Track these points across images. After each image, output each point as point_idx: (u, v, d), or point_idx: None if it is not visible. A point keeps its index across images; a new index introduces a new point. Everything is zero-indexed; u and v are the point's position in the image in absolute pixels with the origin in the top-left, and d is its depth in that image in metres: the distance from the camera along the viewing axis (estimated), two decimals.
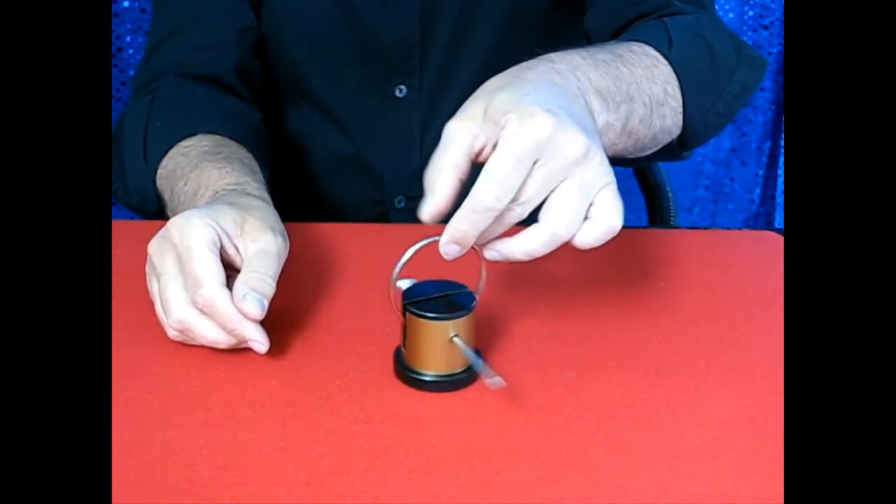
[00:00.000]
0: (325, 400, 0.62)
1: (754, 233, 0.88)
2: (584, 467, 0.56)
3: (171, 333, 0.65)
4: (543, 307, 0.72)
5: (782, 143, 1.74)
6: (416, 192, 1.01)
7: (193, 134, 0.83)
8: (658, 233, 0.86)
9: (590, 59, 0.69)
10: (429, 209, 0.60)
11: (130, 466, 0.55)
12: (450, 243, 0.59)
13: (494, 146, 0.59)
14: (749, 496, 0.54)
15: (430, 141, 0.99)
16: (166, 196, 0.82)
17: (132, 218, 0.91)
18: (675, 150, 0.85)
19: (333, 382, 0.63)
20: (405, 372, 0.63)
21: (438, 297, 0.62)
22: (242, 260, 0.66)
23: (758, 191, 1.79)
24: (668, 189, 1.16)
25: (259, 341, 0.63)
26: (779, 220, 1.77)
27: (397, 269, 0.60)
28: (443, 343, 0.61)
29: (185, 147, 0.82)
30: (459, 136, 0.60)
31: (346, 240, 0.82)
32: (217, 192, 0.74)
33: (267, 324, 0.64)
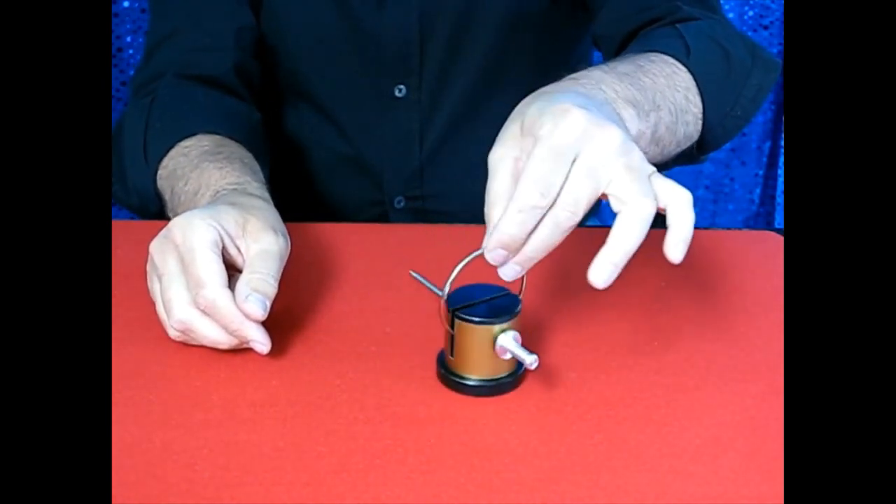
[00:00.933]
0: (325, 400, 0.62)
1: (754, 233, 0.88)
2: (584, 467, 0.56)
3: (173, 333, 0.65)
4: (543, 307, 0.72)
5: (782, 143, 1.74)
6: (415, 192, 1.02)
7: (194, 134, 0.83)
8: (658, 233, 0.86)
9: (612, 73, 0.70)
10: (490, 240, 0.58)
11: (130, 466, 0.55)
12: (497, 248, 0.57)
13: None
14: (749, 496, 0.54)
15: (429, 140, 1.00)
16: (166, 196, 0.82)
17: (132, 218, 0.91)
18: (693, 154, 0.85)
19: (333, 382, 0.63)
20: (450, 377, 0.62)
21: (483, 301, 0.62)
22: (244, 260, 0.66)
23: (758, 191, 1.79)
24: None
25: (261, 342, 0.63)
26: (779, 220, 1.77)
27: (448, 283, 0.60)
28: (489, 347, 0.61)
29: (186, 147, 0.82)
30: (502, 162, 0.60)
31: (346, 240, 0.82)
32: (218, 192, 0.74)
33: (268, 324, 0.64)
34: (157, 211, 0.86)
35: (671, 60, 0.79)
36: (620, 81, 0.69)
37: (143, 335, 0.67)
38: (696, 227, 0.86)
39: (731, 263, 0.80)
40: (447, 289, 0.60)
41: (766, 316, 0.72)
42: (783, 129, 1.73)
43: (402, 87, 0.98)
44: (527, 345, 0.68)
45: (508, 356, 0.61)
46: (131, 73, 1.53)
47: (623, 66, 0.73)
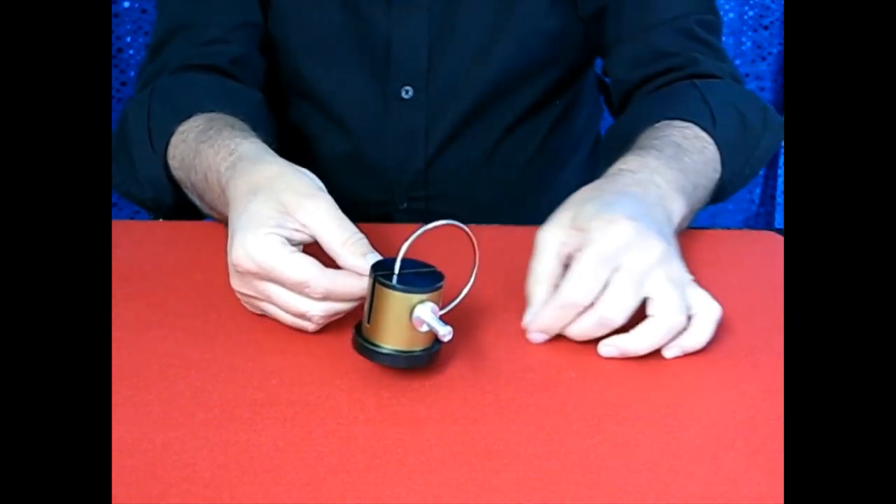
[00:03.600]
0: (325, 400, 0.62)
1: (754, 233, 0.88)
2: (584, 467, 0.56)
3: (312, 328, 0.66)
4: None
5: (782, 143, 1.74)
6: (418, 193, 1.02)
7: (190, 116, 0.83)
8: None
9: (662, 160, 0.76)
10: (531, 320, 0.67)
11: (130, 466, 0.55)
12: (537, 332, 0.67)
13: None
14: (749, 496, 0.54)
15: (434, 142, 0.99)
16: (187, 186, 0.82)
17: (132, 218, 0.91)
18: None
19: (333, 382, 0.63)
20: (364, 344, 0.62)
21: (409, 273, 0.62)
22: (309, 232, 0.65)
23: (758, 191, 1.79)
24: None
25: None
26: (779, 220, 1.77)
27: (401, 254, 0.60)
28: (406, 316, 0.60)
29: (183, 132, 0.82)
30: (550, 243, 0.67)
31: None
32: (221, 174, 0.73)
33: (266, 323, 0.64)
34: (172, 202, 0.85)
35: (701, 133, 0.83)
36: (669, 168, 0.75)
37: (143, 335, 0.67)
38: (696, 227, 0.86)
39: (731, 263, 0.80)
40: (399, 260, 0.61)
41: (766, 316, 0.72)
42: (783, 129, 1.72)
43: (408, 88, 0.98)
44: (526, 344, 0.68)
45: (425, 328, 0.60)
46: (131, 73, 1.53)
47: (669, 148, 0.78)
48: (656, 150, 0.77)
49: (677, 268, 0.66)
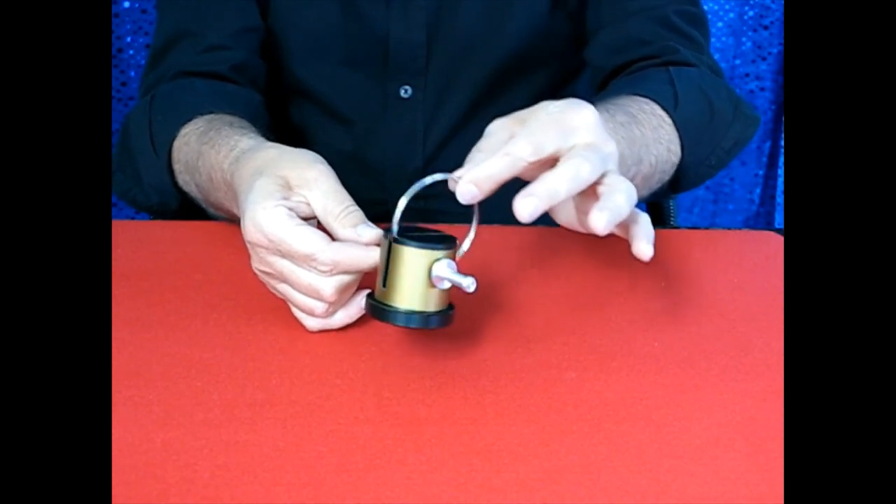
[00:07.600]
0: (325, 400, 0.62)
1: (754, 233, 0.88)
2: (584, 467, 0.56)
3: (311, 325, 0.67)
4: (543, 307, 0.72)
5: (782, 143, 1.74)
6: (417, 192, 1.02)
7: (191, 119, 0.83)
8: (658, 233, 0.86)
9: (611, 122, 0.73)
10: (468, 173, 0.60)
11: (130, 466, 0.55)
12: (470, 182, 0.60)
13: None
14: (749, 496, 0.54)
15: (432, 140, 1.00)
16: (192, 189, 0.83)
17: (132, 218, 0.91)
18: (666, 192, 0.89)
19: (333, 382, 0.63)
20: (379, 305, 0.62)
21: (422, 236, 0.62)
22: (312, 208, 0.66)
23: (758, 191, 1.79)
24: None
25: None
26: (779, 220, 1.77)
27: (399, 209, 0.61)
28: (424, 275, 0.61)
29: (185, 136, 0.83)
30: (499, 130, 0.63)
31: None
32: (224, 171, 0.74)
33: (266, 323, 0.64)
34: (178, 206, 0.86)
35: (659, 112, 0.82)
36: (615, 133, 0.72)
37: (143, 335, 0.67)
38: (696, 228, 0.86)
39: (731, 263, 0.80)
40: (398, 215, 0.61)
41: (766, 316, 0.72)
42: (783, 129, 1.73)
43: (407, 87, 0.98)
44: (526, 345, 0.68)
45: (446, 284, 0.61)
46: (131, 73, 1.53)
47: (620, 114, 0.76)
48: (608, 112, 0.75)
49: (622, 180, 0.61)
